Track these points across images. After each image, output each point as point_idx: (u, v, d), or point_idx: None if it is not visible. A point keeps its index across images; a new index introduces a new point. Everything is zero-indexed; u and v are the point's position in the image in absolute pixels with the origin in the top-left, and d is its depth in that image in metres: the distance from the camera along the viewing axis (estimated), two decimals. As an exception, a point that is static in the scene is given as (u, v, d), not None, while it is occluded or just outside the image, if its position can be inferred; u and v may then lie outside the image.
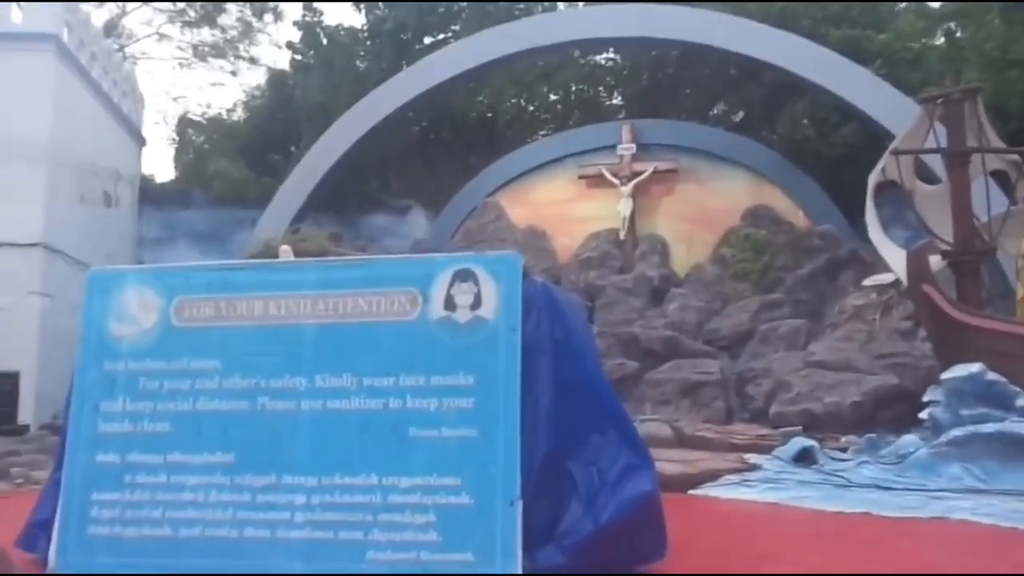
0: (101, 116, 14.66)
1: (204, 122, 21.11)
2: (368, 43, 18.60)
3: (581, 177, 15.14)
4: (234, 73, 24.78)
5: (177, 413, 3.66)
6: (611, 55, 19.49)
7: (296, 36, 19.00)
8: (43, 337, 11.91)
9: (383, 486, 3.39)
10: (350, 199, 16.30)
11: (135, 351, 3.79)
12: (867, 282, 11.83)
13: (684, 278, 14.01)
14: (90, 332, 3.89)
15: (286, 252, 10.01)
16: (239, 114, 21.00)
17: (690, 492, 6.19)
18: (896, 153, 9.61)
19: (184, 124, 21.06)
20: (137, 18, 38.89)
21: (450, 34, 18.42)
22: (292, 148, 17.92)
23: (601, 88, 20.02)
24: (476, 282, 3.59)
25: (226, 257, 12.93)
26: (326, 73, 17.52)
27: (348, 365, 3.58)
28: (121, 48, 21.10)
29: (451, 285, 3.61)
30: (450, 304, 3.59)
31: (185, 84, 41.43)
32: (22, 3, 12.67)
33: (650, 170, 14.66)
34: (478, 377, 3.46)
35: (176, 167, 20.20)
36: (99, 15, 21.50)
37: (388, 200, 17.32)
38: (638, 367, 10.76)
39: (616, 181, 14.71)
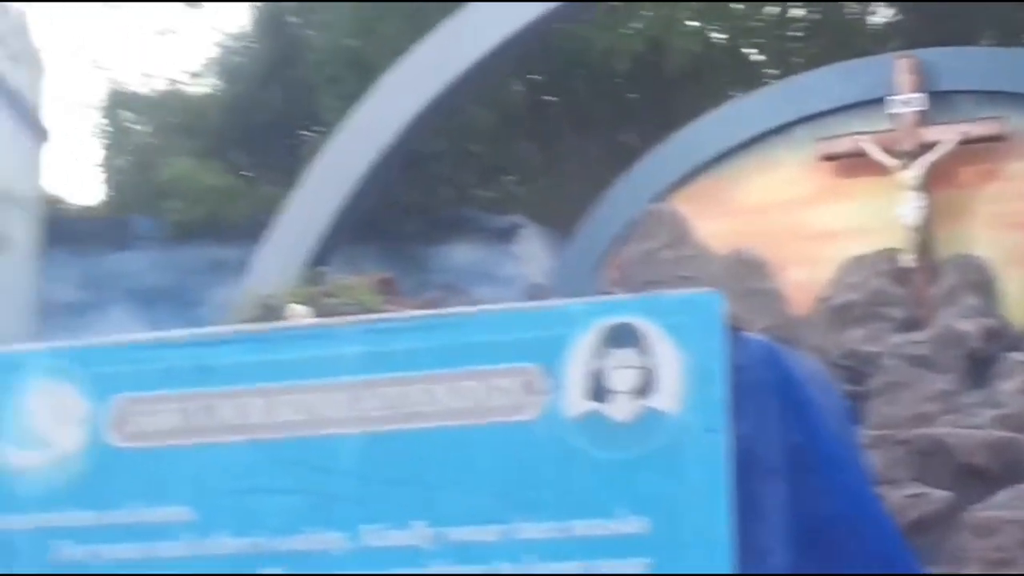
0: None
1: (150, 96, 21.26)
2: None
3: (826, 158, 15.11)
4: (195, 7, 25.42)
5: None
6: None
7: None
8: None
9: None
10: (409, 219, 16.74)
11: (46, 494, 4.03)
12: None
13: (1030, 334, 14.58)
14: None
15: (300, 315, 10.17)
16: (209, 81, 21.36)
17: None
18: None
19: (115, 103, 21.22)
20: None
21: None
22: (303, 134, 18.46)
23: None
24: (644, 348, 3.69)
25: (195, 326, 13.57)
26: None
27: (419, 505, 3.73)
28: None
29: (598, 355, 3.72)
30: (598, 389, 3.71)
31: (112, 36, 42.60)
32: None
33: (954, 140, 14.50)
34: (656, 519, 3.56)
35: (106, 179, 20.60)
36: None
37: (478, 217, 17.77)
38: (950, 499, 10.91)
39: (891, 161, 14.62)
